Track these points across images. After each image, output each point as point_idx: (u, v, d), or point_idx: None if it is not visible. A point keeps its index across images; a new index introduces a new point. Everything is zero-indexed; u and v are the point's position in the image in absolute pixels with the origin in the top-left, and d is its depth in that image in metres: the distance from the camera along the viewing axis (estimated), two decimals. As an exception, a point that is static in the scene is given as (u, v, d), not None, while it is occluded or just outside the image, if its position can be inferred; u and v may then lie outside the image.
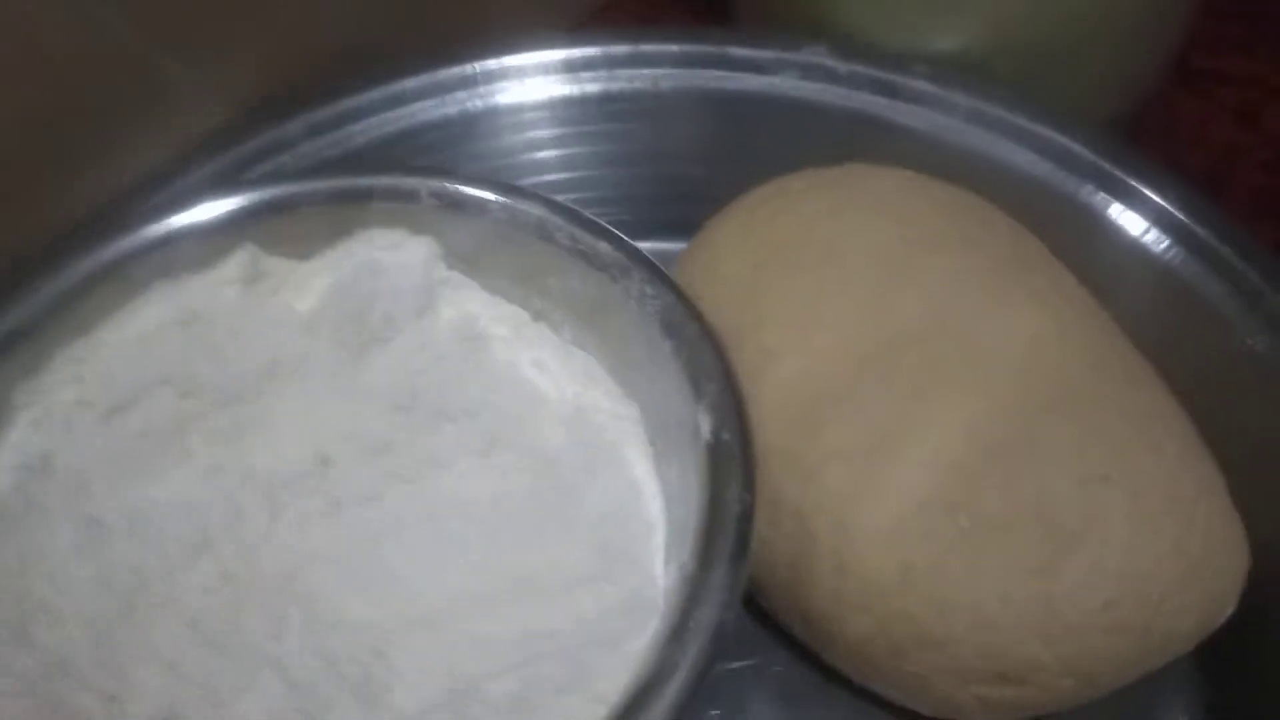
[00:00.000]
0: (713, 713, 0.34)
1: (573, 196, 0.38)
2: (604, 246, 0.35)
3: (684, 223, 0.39)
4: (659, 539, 0.33)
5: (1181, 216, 0.37)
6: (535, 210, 0.36)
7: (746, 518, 0.30)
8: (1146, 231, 0.38)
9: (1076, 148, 0.39)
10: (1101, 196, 0.38)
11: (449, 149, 0.42)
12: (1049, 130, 0.39)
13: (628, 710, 0.27)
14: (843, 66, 0.41)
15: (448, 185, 0.37)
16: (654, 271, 0.35)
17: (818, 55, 0.41)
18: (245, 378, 0.35)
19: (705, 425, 0.32)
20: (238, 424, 0.35)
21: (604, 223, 0.36)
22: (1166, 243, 0.37)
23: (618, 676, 0.29)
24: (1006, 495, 0.30)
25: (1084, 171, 0.38)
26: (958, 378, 0.32)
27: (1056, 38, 0.43)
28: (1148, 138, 0.47)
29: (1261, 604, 0.31)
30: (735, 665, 0.35)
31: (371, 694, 0.30)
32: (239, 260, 0.37)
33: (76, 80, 0.36)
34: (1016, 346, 0.33)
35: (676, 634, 0.28)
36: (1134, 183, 0.38)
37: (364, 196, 0.37)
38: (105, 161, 0.38)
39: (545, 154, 0.43)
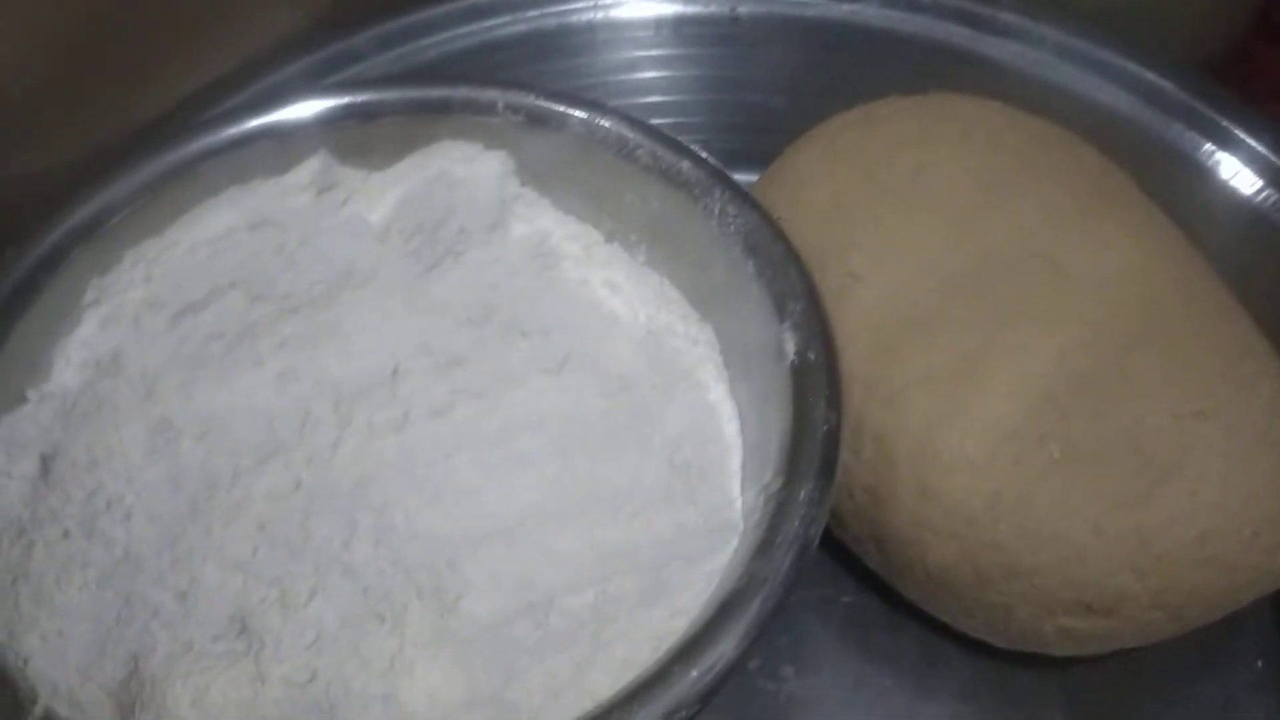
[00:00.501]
0: (781, 639, 0.34)
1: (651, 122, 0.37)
2: (685, 164, 0.35)
3: (762, 153, 0.39)
4: (736, 461, 0.33)
5: (1275, 159, 0.36)
6: (616, 127, 0.36)
7: (833, 436, 0.29)
8: (1237, 174, 0.37)
9: (1167, 86, 0.38)
10: (1192, 136, 0.37)
11: (519, 67, 0.41)
12: (1139, 67, 0.38)
13: (713, 621, 0.27)
14: (927, -4, 0.40)
15: (527, 98, 0.36)
16: (737, 191, 0.34)
17: (902, -17, 0.40)
18: (316, 285, 0.35)
19: (789, 345, 0.31)
20: (309, 331, 0.35)
21: (685, 142, 0.35)
22: (1259, 185, 0.36)
23: (698, 591, 0.29)
24: (1098, 426, 0.30)
25: (1174, 110, 0.38)
26: (1047, 306, 0.31)
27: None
28: (1233, 83, 0.46)
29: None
30: (804, 595, 0.35)
31: (445, 601, 0.30)
32: (311, 167, 0.36)
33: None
34: (1107, 277, 0.32)
35: (763, 548, 0.28)
36: (1226, 123, 0.37)
37: (440, 107, 0.36)
38: (181, 66, 0.38)
39: (620, 78, 0.42)
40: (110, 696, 0.27)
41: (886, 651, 0.34)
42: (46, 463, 0.31)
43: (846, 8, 0.41)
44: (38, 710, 0.26)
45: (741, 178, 0.37)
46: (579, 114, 0.36)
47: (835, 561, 0.35)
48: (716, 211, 0.34)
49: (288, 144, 0.36)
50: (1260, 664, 0.33)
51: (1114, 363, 0.31)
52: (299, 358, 0.34)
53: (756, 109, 0.42)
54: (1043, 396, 0.30)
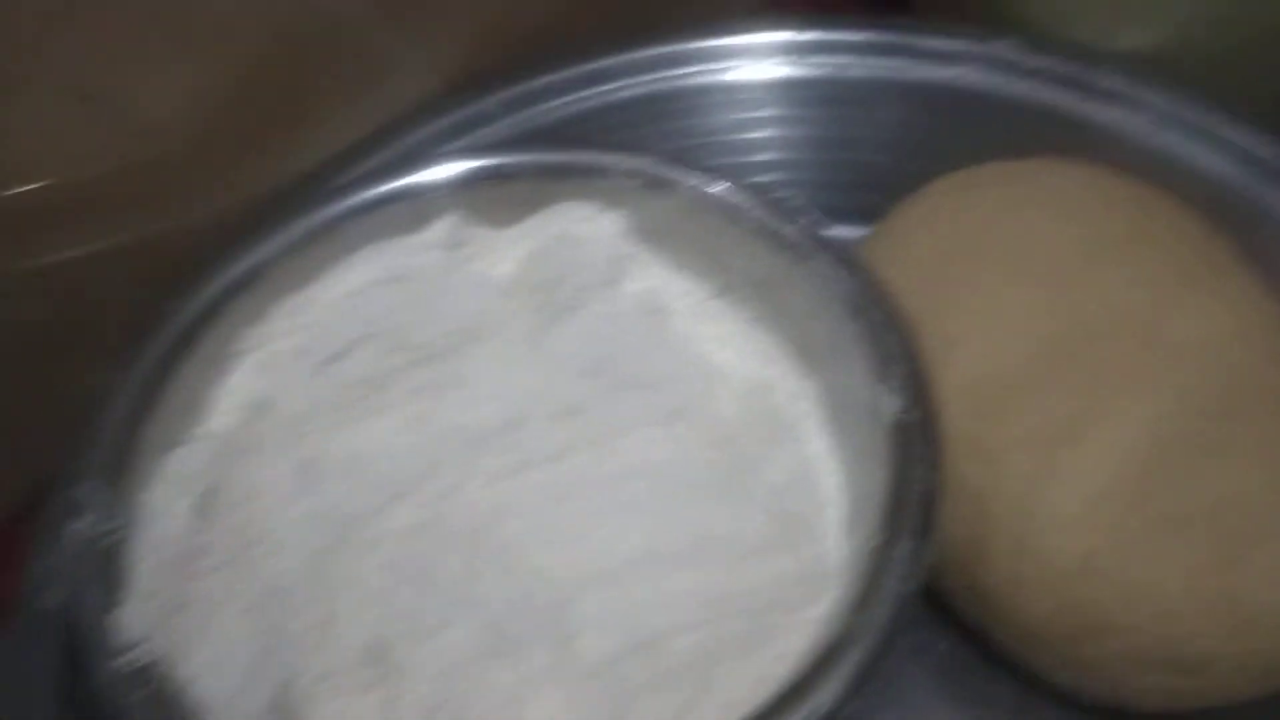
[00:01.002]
0: (872, 687, 0.35)
1: (755, 180, 0.39)
2: (791, 229, 0.37)
3: (866, 210, 0.40)
4: (834, 514, 0.34)
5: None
6: (724, 191, 0.38)
7: (932, 496, 0.31)
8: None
9: (1272, 153, 0.38)
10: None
11: (635, 129, 0.43)
12: (1244, 134, 0.39)
13: (815, 669, 0.28)
14: (1031, 60, 0.41)
15: (643, 163, 0.38)
16: (841, 254, 0.36)
17: (1006, 49, 0.42)
18: (445, 337, 0.37)
19: (890, 406, 0.33)
20: (437, 380, 0.37)
21: (792, 206, 0.37)
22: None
23: (798, 640, 0.30)
24: (1191, 491, 0.31)
25: (1277, 176, 0.38)
26: (1142, 373, 0.32)
27: (1248, 44, 0.42)
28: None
29: None
30: (900, 640, 0.36)
31: (561, 639, 0.32)
32: (442, 226, 0.39)
33: (303, 51, 0.39)
34: (1202, 346, 0.33)
35: (863, 603, 0.29)
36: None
37: (563, 171, 0.39)
38: (324, 128, 0.41)
39: (728, 138, 0.44)
40: (264, 716, 0.30)
41: (980, 699, 0.35)
42: (204, 499, 0.34)
43: (951, 71, 0.42)
44: (200, 728, 0.28)
45: (846, 232, 0.39)
46: (691, 179, 0.38)
47: (933, 610, 0.36)
48: (821, 274, 0.36)
49: (420, 204, 0.38)
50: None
51: (1207, 429, 0.31)
52: (428, 404, 0.37)
53: (862, 167, 0.44)
54: (1137, 461, 0.31)
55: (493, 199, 0.39)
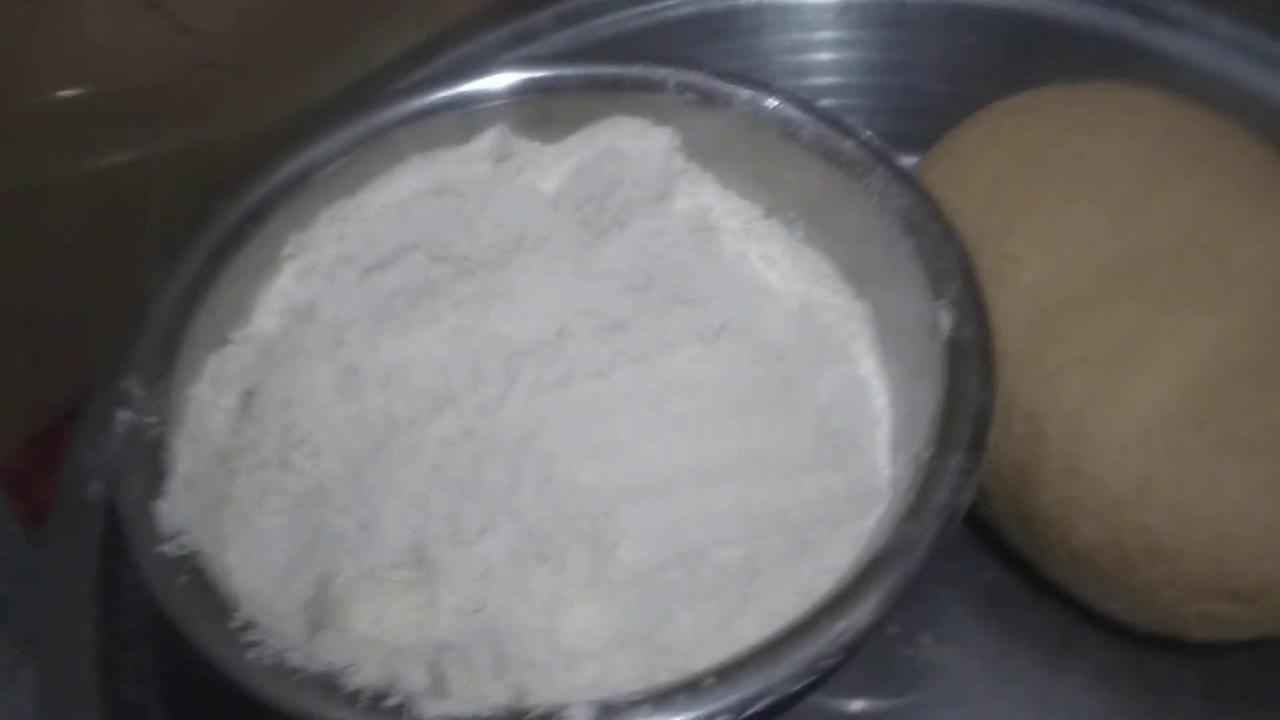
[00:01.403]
0: (920, 609, 0.35)
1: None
2: (848, 144, 0.36)
3: (925, 137, 0.39)
4: (884, 432, 0.34)
5: None
6: (780, 106, 0.37)
7: (985, 411, 0.30)
8: None
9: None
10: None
11: (689, 48, 0.43)
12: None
13: (860, 579, 0.28)
14: (1097, -16, 0.40)
15: (696, 77, 0.38)
16: (897, 171, 0.35)
17: (1072, -28, 0.41)
18: (491, 249, 0.37)
19: (945, 322, 0.32)
20: (482, 291, 0.37)
21: (848, 121, 0.36)
22: None
23: (845, 552, 0.30)
24: (1254, 415, 0.30)
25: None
26: (1208, 294, 0.32)
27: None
28: None
29: None
30: (945, 567, 0.35)
31: (601, 547, 0.32)
32: (490, 138, 0.38)
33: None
34: (1272, 268, 0.32)
35: (912, 513, 0.29)
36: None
37: (613, 85, 0.38)
38: (375, 37, 0.41)
39: (783, 59, 0.43)
40: (302, 611, 0.30)
41: (1025, 629, 0.34)
42: (247, 398, 0.34)
43: (1014, -5, 0.41)
44: (240, 617, 0.28)
45: (903, 160, 0.38)
46: (745, 93, 0.37)
47: (979, 538, 0.35)
48: (877, 190, 0.35)
49: (469, 115, 0.38)
50: None
51: (1272, 351, 0.31)
52: (473, 316, 0.37)
53: (920, 93, 0.43)
54: (1199, 382, 0.30)
55: (541, 112, 0.39)
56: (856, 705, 0.34)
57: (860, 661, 0.34)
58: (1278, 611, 0.30)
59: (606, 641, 0.31)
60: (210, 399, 0.33)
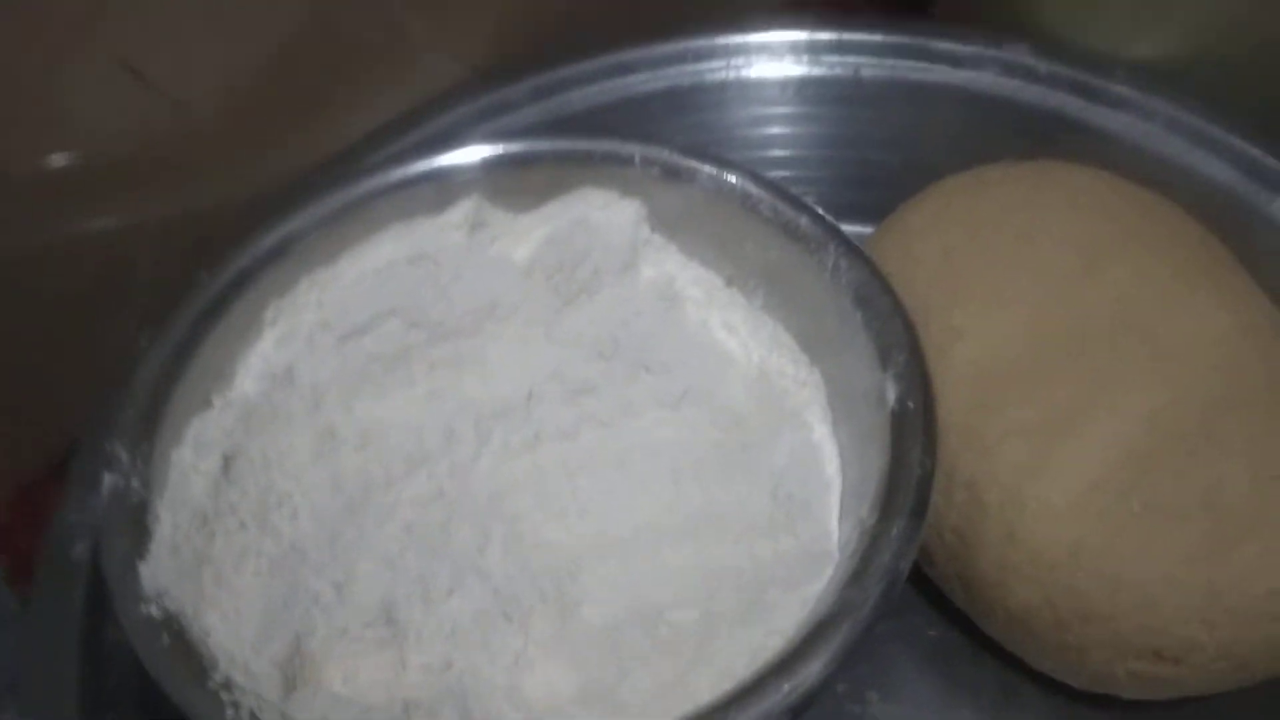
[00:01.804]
0: (867, 667, 0.37)
1: (770, 175, 0.40)
2: (804, 220, 0.38)
3: (875, 208, 0.41)
4: (835, 497, 0.36)
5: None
6: (741, 182, 0.39)
7: (926, 480, 0.32)
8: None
9: (1270, 161, 0.39)
10: (1293, 210, 0.39)
11: (657, 121, 0.45)
12: (1245, 142, 0.40)
13: (806, 641, 0.29)
14: (1043, 65, 0.43)
15: (661, 153, 0.39)
16: (849, 246, 0.37)
17: (1019, 53, 0.43)
18: (465, 315, 0.39)
19: (891, 393, 0.34)
20: (456, 356, 0.38)
21: (804, 199, 0.38)
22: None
23: (795, 615, 0.32)
24: (1179, 484, 0.32)
25: (1276, 183, 0.39)
26: (1141, 369, 0.34)
27: (1259, 53, 0.43)
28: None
29: None
30: (890, 626, 0.37)
31: (565, 606, 0.33)
32: (465, 208, 0.40)
33: (337, 31, 0.41)
34: (1200, 344, 0.34)
35: (856, 578, 0.30)
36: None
37: (583, 158, 0.40)
38: (355, 110, 0.42)
39: (747, 132, 0.45)
40: (278, 669, 0.31)
41: (967, 684, 0.36)
42: (228, 461, 0.35)
43: (964, 74, 0.43)
44: (218, 676, 0.30)
45: (856, 230, 0.40)
46: (708, 169, 0.39)
47: (924, 598, 0.37)
48: (830, 264, 0.37)
49: (445, 186, 0.40)
50: (1331, 721, 0.35)
51: (1199, 426, 0.33)
52: (447, 379, 0.38)
53: (873, 165, 0.45)
54: (1128, 454, 0.32)
55: (514, 183, 0.40)
56: (809, 760, 0.35)
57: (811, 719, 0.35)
58: (1203, 672, 0.32)
59: (568, 698, 0.32)
60: (192, 462, 0.35)
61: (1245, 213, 0.39)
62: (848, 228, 0.38)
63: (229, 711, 0.29)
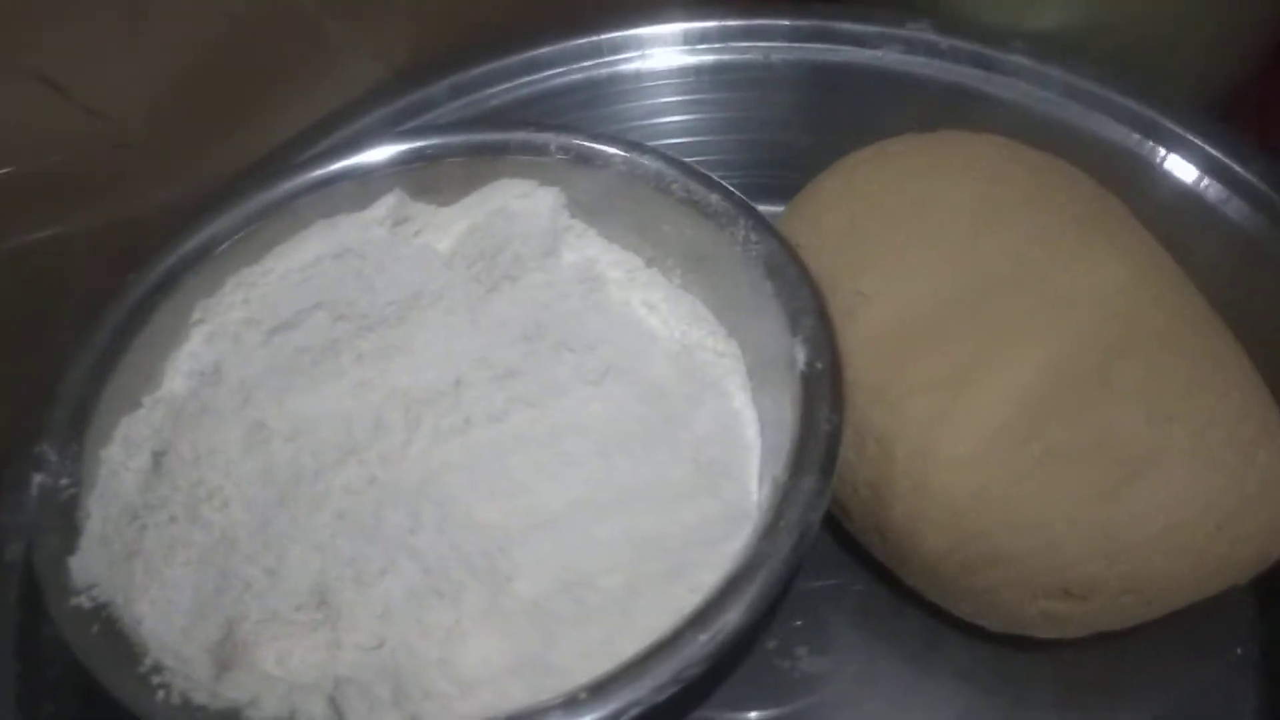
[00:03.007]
0: (796, 623, 0.38)
1: (686, 160, 0.42)
2: (715, 198, 0.39)
3: (788, 188, 0.42)
4: (755, 460, 0.37)
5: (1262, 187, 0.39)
6: (654, 164, 0.40)
7: (835, 435, 0.33)
8: (1227, 200, 0.40)
9: (1164, 120, 0.41)
10: (1186, 167, 0.40)
11: (575, 113, 0.46)
12: (1136, 103, 0.41)
13: (722, 594, 0.31)
14: (944, 41, 0.44)
15: (575, 140, 0.41)
16: (759, 220, 0.38)
17: (921, 30, 0.44)
18: (390, 306, 0.40)
19: (800, 356, 0.35)
20: (383, 347, 0.39)
21: (715, 177, 0.39)
22: (1247, 211, 0.39)
23: (715, 571, 0.33)
24: (1078, 428, 0.33)
25: (1170, 143, 0.41)
26: (1037, 320, 0.35)
27: (1153, 18, 0.45)
28: (1243, 118, 0.49)
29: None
30: (818, 584, 0.38)
31: (496, 582, 0.34)
32: (388, 204, 0.41)
33: (257, 38, 0.41)
34: (1097, 294, 0.35)
35: (768, 532, 0.32)
36: (1215, 152, 0.40)
37: (499, 149, 0.41)
38: (278, 113, 0.43)
39: (663, 120, 0.46)
40: (208, 654, 0.32)
41: (892, 635, 0.37)
42: (157, 458, 0.36)
43: (870, 53, 0.45)
44: (148, 661, 0.30)
45: (770, 209, 0.41)
46: (621, 154, 0.40)
47: (847, 553, 0.38)
48: (741, 239, 0.38)
49: (367, 183, 0.41)
50: (1239, 650, 0.36)
51: (1096, 371, 0.34)
52: (374, 369, 0.39)
53: (784, 147, 0.46)
54: (1028, 402, 0.33)
55: (434, 177, 0.41)
56: (741, 717, 0.36)
57: (742, 676, 0.36)
58: (1109, 607, 0.33)
59: (501, 669, 0.33)
60: (121, 459, 0.35)
61: (1139, 170, 0.41)
62: (764, 208, 0.39)
63: (159, 694, 0.30)
